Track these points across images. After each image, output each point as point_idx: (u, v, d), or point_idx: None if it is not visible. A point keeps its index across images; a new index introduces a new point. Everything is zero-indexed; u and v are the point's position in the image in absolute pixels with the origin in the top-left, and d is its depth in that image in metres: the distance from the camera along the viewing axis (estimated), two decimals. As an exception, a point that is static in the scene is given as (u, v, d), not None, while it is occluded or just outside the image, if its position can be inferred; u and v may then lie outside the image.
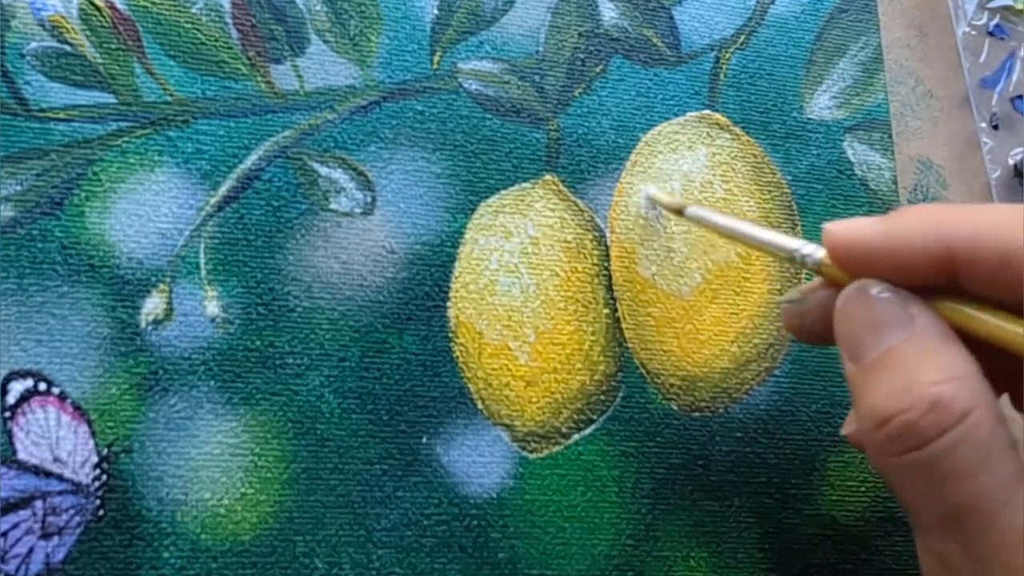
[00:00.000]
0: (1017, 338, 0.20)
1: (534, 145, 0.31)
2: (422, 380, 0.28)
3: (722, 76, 0.33)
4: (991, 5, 0.37)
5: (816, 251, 0.24)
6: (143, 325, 0.27)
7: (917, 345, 0.21)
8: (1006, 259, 0.20)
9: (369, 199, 0.29)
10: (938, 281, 0.21)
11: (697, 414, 0.30)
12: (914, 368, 0.21)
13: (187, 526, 0.26)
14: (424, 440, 0.28)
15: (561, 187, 0.31)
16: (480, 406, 0.29)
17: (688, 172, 0.32)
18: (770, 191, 0.32)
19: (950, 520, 0.20)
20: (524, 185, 0.30)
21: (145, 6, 0.29)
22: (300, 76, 0.29)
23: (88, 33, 0.28)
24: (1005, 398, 0.23)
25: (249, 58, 0.29)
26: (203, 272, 0.27)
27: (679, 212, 0.29)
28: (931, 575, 0.21)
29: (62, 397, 0.26)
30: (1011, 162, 0.35)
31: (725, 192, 0.32)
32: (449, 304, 0.29)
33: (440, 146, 0.30)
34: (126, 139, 0.28)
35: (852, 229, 0.22)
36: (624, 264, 0.31)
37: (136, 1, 0.29)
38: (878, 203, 0.33)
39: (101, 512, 0.26)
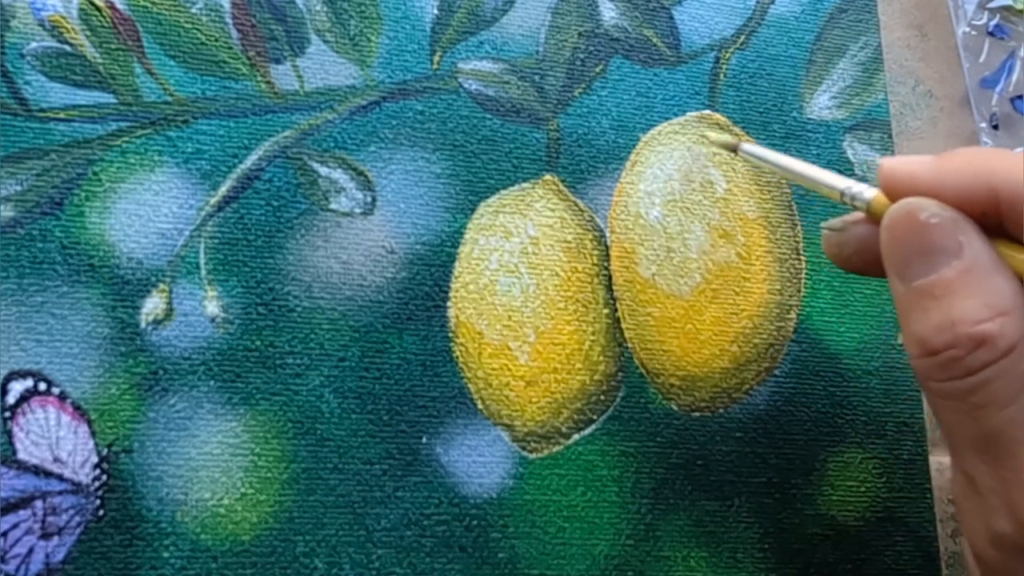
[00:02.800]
0: None
1: (534, 145, 0.31)
2: (422, 380, 0.28)
3: (722, 76, 0.33)
4: (991, 5, 0.37)
5: (865, 191, 0.24)
6: (143, 325, 0.27)
7: (965, 275, 0.21)
8: None
9: (369, 199, 0.29)
10: (984, 222, 0.22)
11: (697, 414, 0.30)
12: (961, 300, 0.21)
13: (187, 526, 0.26)
14: (424, 440, 0.28)
15: (561, 187, 0.31)
16: (480, 406, 0.29)
17: (688, 172, 0.32)
18: (770, 191, 0.32)
19: (982, 443, 0.21)
20: (524, 185, 0.30)
21: (145, 6, 0.29)
22: (300, 76, 0.29)
23: (88, 33, 0.28)
24: None
25: (249, 58, 0.29)
26: (203, 272, 0.27)
27: (733, 149, 0.29)
28: (960, 493, 0.22)
29: (62, 397, 0.26)
30: (1011, 162, 0.35)
31: (725, 192, 0.32)
32: (449, 304, 0.29)
33: (440, 146, 0.30)
34: (126, 139, 0.28)
35: (905, 164, 0.23)
36: (624, 264, 0.31)
37: (136, 1, 0.29)
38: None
39: (101, 512, 0.26)
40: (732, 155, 0.30)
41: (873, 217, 0.24)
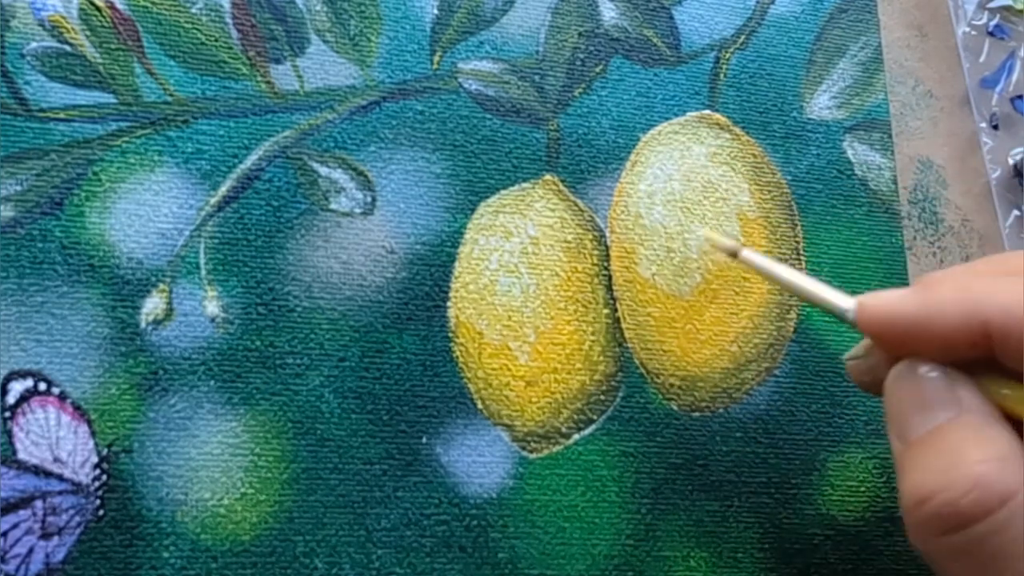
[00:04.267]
0: None
1: (534, 145, 0.31)
2: (422, 380, 0.28)
3: (722, 76, 0.33)
4: (991, 5, 0.37)
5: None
6: (143, 325, 0.27)
7: (962, 425, 0.21)
8: None
9: (369, 199, 0.29)
10: (975, 354, 0.21)
11: (697, 414, 0.30)
12: (958, 448, 0.21)
13: (187, 526, 0.26)
14: (424, 440, 0.28)
15: (561, 187, 0.31)
16: (480, 406, 0.29)
17: (688, 172, 0.32)
18: (770, 191, 0.32)
19: None
20: (524, 185, 0.30)
21: (145, 6, 0.29)
22: (300, 76, 0.29)
23: (88, 33, 0.28)
24: None
25: (249, 58, 0.29)
26: (203, 272, 0.27)
27: (733, 254, 0.28)
28: None
29: (62, 397, 0.26)
30: (1011, 162, 0.35)
31: (725, 192, 0.32)
32: (449, 304, 0.29)
33: (440, 146, 0.30)
34: (126, 139, 0.28)
35: (884, 305, 0.22)
36: (624, 264, 0.31)
37: (136, 1, 0.29)
38: (878, 203, 0.33)
39: (101, 512, 0.26)
40: (732, 260, 0.29)
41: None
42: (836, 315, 0.24)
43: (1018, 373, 0.21)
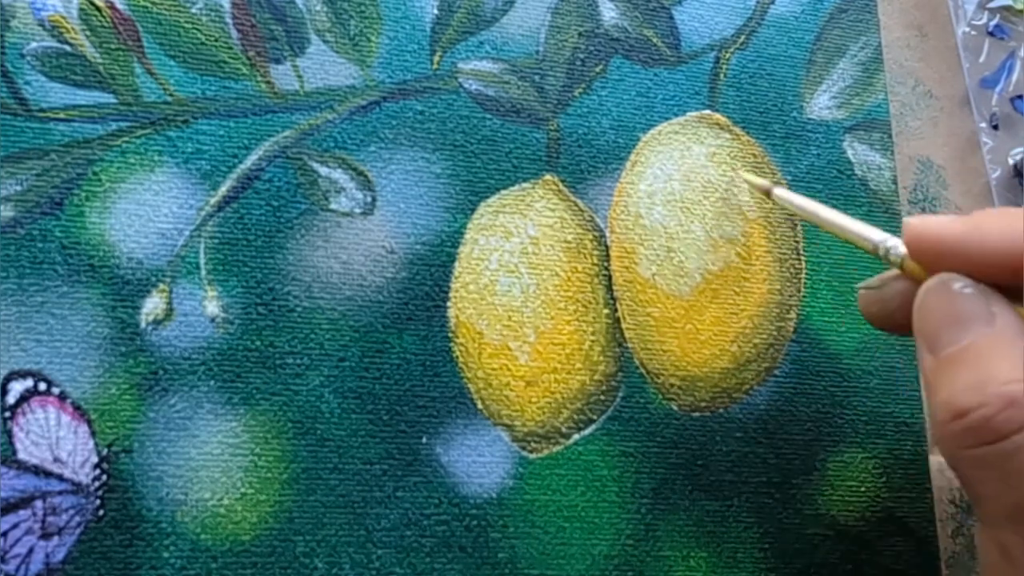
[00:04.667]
0: None
1: (534, 145, 0.31)
2: (422, 380, 0.28)
3: (722, 76, 0.33)
4: (991, 5, 0.37)
5: (899, 245, 0.24)
6: (143, 325, 0.27)
7: (997, 341, 0.21)
8: None
9: (369, 199, 0.29)
10: (1016, 281, 0.22)
11: (697, 414, 0.30)
12: (993, 364, 0.21)
13: (187, 526, 0.26)
14: (424, 440, 0.28)
15: (561, 187, 0.31)
16: (480, 406, 0.29)
17: (688, 172, 0.32)
18: (770, 191, 0.32)
19: (1018, 512, 0.21)
20: (524, 185, 0.30)
21: (145, 6, 0.29)
22: (300, 76, 0.29)
23: (88, 33, 0.28)
24: None
25: (249, 58, 0.29)
26: (203, 272, 0.27)
27: (767, 193, 0.29)
28: (990, 565, 0.22)
29: (62, 397, 0.26)
30: (1011, 162, 0.35)
31: (725, 192, 0.32)
32: (449, 304, 0.29)
33: (440, 146, 0.30)
34: (126, 139, 0.28)
35: (931, 225, 0.23)
36: (624, 264, 0.31)
37: (136, 1, 0.29)
38: (878, 203, 0.33)
39: (101, 512, 0.26)
40: (767, 198, 0.30)
41: (907, 273, 0.24)
42: (872, 251, 0.25)
43: None
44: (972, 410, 0.21)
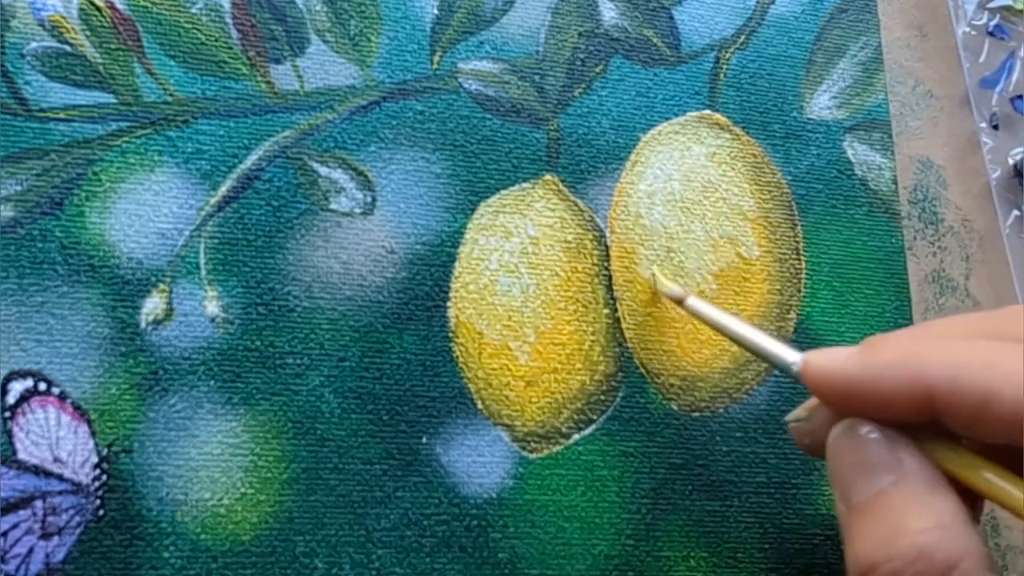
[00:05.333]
0: (1010, 498, 0.20)
1: (534, 145, 0.31)
2: (422, 380, 0.28)
3: (722, 76, 0.33)
4: (991, 5, 0.37)
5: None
6: (143, 325, 0.27)
7: (904, 491, 0.21)
8: (985, 402, 0.20)
9: (369, 199, 0.29)
10: (920, 418, 0.21)
11: (697, 414, 0.30)
12: (900, 515, 0.20)
13: (187, 526, 0.26)
14: (424, 440, 0.28)
15: (561, 187, 0.31)
16: (480, 406, 0.29)
17: (688, 172, 0.32)
18: (770, 191, 0.32)
19: None
20: (524, 185, 0.30)
21: (145, 6, 0.29)
22: (300, 76, 0.29)
23: (88, 33, 0.28)
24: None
25: (249, 58, 0.29)
26: (203, 272, 0.27)
27: (679, 302, 0.29)
28: None
29: (62, 397, 0.26)
30: (1011, 162, 0.35)
31: (725, 192, 0.32)
32: (449, 304, 0.29)
33: (440, 146, 0.30)
34: (126, 139, 0.28)
35: (828, 362, 0.22)
36: (624, 264, 0.31)
37: (136, 1, 0.29)
38: (878, 203, 0.33)
39: (101, 512, 0.26)
40: (679, 307, 0.29)
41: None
42: (782, 369, 0.24)
43: (961, 437, 0.21)
44: (881, 564, 0.20)
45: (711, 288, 0.31)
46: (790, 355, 0.24)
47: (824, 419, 0.23)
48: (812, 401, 0.24)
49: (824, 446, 0.23)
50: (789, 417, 0.25)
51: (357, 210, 0.29)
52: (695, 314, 0.28)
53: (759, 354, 0.25)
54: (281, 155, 0.29)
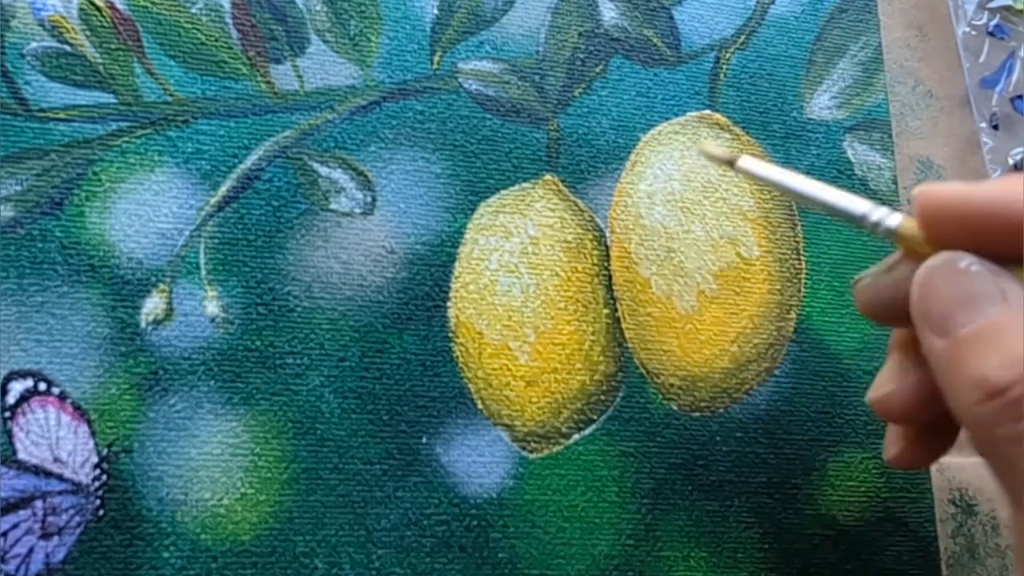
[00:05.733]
0: None
1: (534, 145, 0.31)
2: (422, 380, 0.28)
3: (722, 76, 0.33)
4: (991, 5, 0.37)
5: (888, 217, 0.23)
6: (143, 325, 0.27)
7: (1016, 317, 0.21)
8: None
9: (369, 199, 0.29)
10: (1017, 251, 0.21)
11: (697, 414, 0.30)
12: (1017, 340, 0.20)
13: (187, 526, 0.26)
14: (424, 440, 0.28)
15: (561, 187, 0.31)
16: (480, 406, 0.29)
17: (688, 172, 0.32)
18: (770, 191, 0.32)
19: None
20: (524, 185, 0.30)
21: (145, 6, 0.29)
22: (300, 76, 0.29)
23: (88, 33, 0.28)
24: None
25: (249, 58, 0.29)
26: (203, 272, 0.27)
27: (730, 164, 0.25)
28: None
29: (62, 397, 0.26)
30: (1011, 162, 0.35)
31: (725, 192, 0.32)
32: (449, 304, 0.29)
33: (440, 146, 0.30)
34: (126, 139, 0.28)
35: (944, 188, 0.22)
36: (624, 264, 0.31)
37: (136, 1, 0.29)
38: (878, 203, 0.33)
39: (101, 512, 0.26)
40: (730, 168, 0.27)
41: (905, 247, 0.23)
42: (860, 224, 0.23)
43: None
44: (1011, 386, 0.20)
45: (711, 288, 0.31)
46: (867, 207, 0.23)
47: (907, 271, 0.23)
48: (892, 257, 0.24)
49: (901, 303, 0.23)
50: (860, 275, 0.24)
51: (357, 210, 0.29)
52: (748, 174, 0.25)
53: (830, 210, 0.24)
54: (281, 155, 0.29)
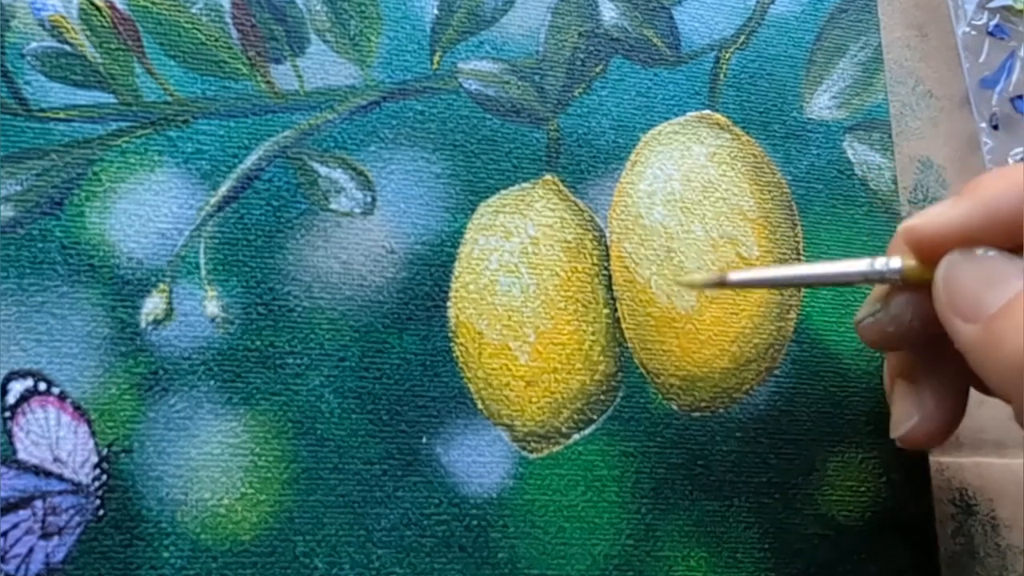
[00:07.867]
0: None
1: (534, 145, 0.31)
2: (422, 380, 0.28)
3: (722, 76, 0.33)
4: (991, 5, 0.37)
5: (890, 262, 0.24)
6: (143, 325, 0.27)
7: None
8: None
9: (369, 199, 0.29)
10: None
11: (697, 414, 0.30)
12: None
13: (187, 526, 0.26)
14: (424, 440, 0.28)
15: (561, 187, 0.31)
16: (480, 406, 0.29)
17: (688, 172, 0.32)
18: (770, 191, 0.32)
19: None
20: (524, 185, 0.30)
21: (145, 6, 0.29)
22: (300, 76, 0.29)
23: (88, 33, 0.28)
24: None
25: (249, 58, 0.29)
26: (203, 272, 0.27)
27: (721, 284, 0.27)
28: None
29: (62, 397, 0.26)
30: (1011, 162, 0.35)
31: (725, 192, 0.32)
32: (449, 304, 0.29)
33: (440, 146, 0.30)
34: (126, 139, 0.28)
35: (926, 217, 0.23)
36: (624, 264, 0.31)
37: (136, 1, 0.29)
38: (878, 203, 0.33)
39: (101, 512, 0.26)
40: (722, 288, 0.28)
41: (911, 283, 0.23)
42: (865, 280, 0.24)
43: None
44: None
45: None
46: (866, 261, 0.24)
47: (903, 303, 0.24)
48: (876, 293, 0.24)
49: (904, 330, 0.23)
50: (859, 316, 0.25)
51: (357, 210, 0.29)
52: (742, 285, 0.27)
53: (834, 282, 0.25)
54: (281, 155, 0.29)
